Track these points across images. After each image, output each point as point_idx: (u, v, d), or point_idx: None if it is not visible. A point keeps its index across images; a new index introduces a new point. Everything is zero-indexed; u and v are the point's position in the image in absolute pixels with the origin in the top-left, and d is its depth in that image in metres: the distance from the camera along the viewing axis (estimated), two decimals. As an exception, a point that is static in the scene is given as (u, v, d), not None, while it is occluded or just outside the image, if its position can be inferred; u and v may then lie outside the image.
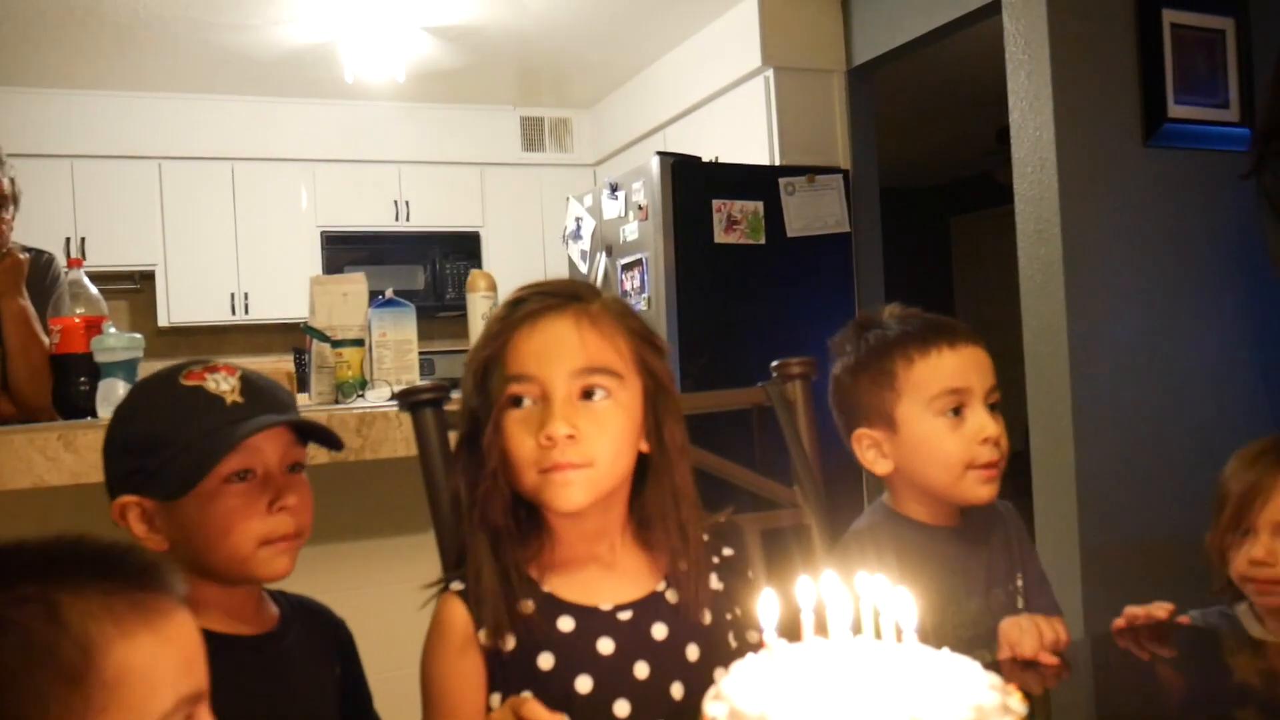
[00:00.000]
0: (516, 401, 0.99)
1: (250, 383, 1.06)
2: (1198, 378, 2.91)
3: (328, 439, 1.11)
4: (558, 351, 0.98)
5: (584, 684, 0.98)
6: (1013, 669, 1.03)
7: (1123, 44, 2.87)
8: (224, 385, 1.04)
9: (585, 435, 0.97)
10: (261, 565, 1.03)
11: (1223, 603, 1.46)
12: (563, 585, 1.02)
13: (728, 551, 1.10)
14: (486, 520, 1.00)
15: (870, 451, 1.27)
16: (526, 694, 0.97)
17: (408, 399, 1.21)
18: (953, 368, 1.21)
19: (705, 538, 1.07)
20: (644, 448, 1.04)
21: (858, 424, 1.28)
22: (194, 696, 0.69)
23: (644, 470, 1.04)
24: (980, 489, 1.21)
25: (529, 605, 1.00)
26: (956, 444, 1.20)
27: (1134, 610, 1.16)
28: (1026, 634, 1.06)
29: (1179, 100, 2.89)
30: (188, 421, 1.01)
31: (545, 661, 0.99)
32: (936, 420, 1.21)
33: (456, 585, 1.03)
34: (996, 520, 1.32)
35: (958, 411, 1.21)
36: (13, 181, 2.19)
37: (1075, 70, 2.80)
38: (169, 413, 1.03)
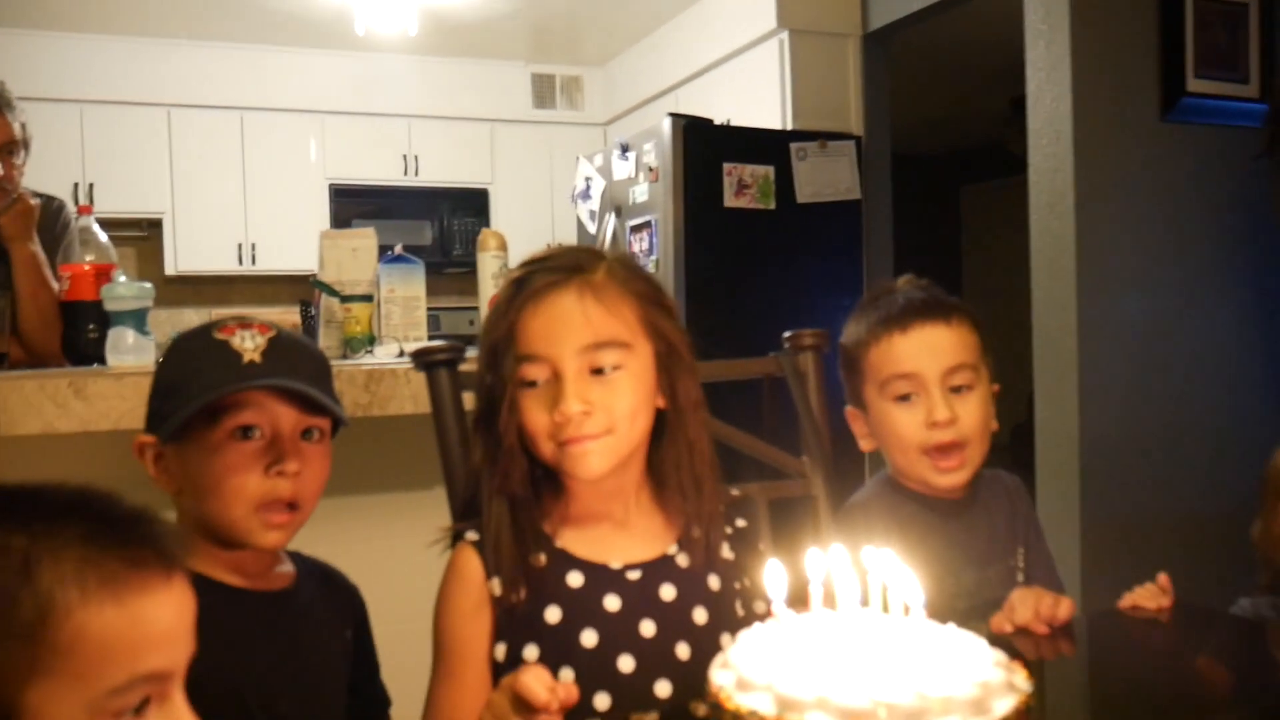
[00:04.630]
0: (530, 382, 0.99)
1: (279, 346, 1.05)
2: (1208, 358, 2.91)
3: (332, 414, 1.07)
4: (563, 330, 0.98)
5: (589, 638, 1.00)
6: (1006, 638, 1.04)
7: (1144, 16, 2.83)
8: (249, 343, 1.03)
9: (600, 406, 0.98)
10: (251, 533, 1.02)
11: (1275, 594, 1.44)
12: (575, 541, 1.04)
13: (741, 523, 1.12)
14: (506, 489, 1.02)
15: (857, 427, 1.33)
16: (531, 656, 0.99)
17: (423, 359, 1.22)
18: (902, 353, 1.24)
19: (720, 508, 1.08)
20: (660, 404, 1.04)
21: (848, 401, 1.34)
22: (157, 675, 0.68)
23: (660, 429, 1.05)
24: (937, 477, 1.24)
25: (540, 559, 1.02)
26: (908, 428, 1.24)
27: (1132, 599, 1.16)
28: (1024, 603, 1.08)
29: (1199, 75, 2.86)
30: (203, 372, 1.02)
31: (553, 615, 1.00)
32: (890, 405, 1.26)
33: (471, 535, 1.05)
34: (1001, 493, 1.33)
35: (908, 397, 1.24)
36: (23, 126, 2.18)
37: (1095, 41, 2.77)
38: (191, 362, 1.04)
